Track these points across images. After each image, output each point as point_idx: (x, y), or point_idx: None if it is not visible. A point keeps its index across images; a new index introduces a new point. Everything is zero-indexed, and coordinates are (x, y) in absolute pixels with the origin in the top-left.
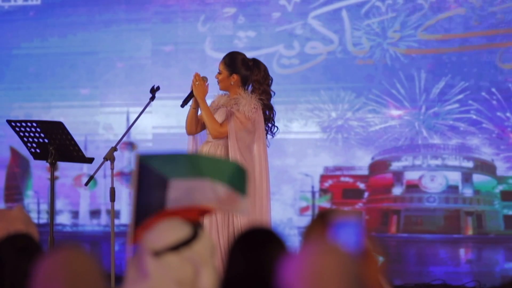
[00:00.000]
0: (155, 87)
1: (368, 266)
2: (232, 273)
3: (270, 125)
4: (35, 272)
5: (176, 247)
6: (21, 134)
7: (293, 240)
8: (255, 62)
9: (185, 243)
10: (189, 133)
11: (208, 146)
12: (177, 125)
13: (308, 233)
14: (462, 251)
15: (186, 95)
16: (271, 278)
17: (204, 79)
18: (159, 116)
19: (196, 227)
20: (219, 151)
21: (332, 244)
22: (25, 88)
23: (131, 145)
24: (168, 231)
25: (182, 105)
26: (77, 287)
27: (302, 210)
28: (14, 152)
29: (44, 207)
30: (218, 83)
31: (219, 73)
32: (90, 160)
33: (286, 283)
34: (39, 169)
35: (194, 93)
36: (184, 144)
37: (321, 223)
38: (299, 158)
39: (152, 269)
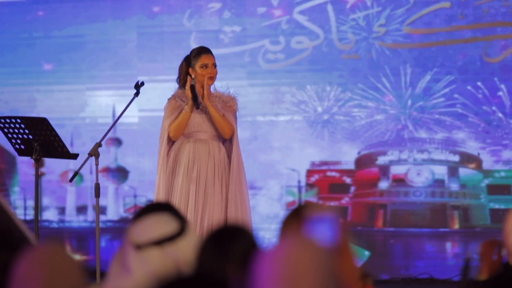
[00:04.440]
0: (139, 83)
1: (344, 261)
2: (202, 269)
3: None
4: (14, 269)
5: (160, 242)
6: (5, 130)
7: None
8: None
9: (170, 239)
10: (177, 138)
11: (206, 146)
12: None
13: (283, 227)
14: (448, 245)
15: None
16: (241, 275)
17: None
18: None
19: (184, 223)
20: (217, 149)
21: (307, 239)
22: (11, 85)
23: (116, 141)
24: (154, 225)
25: (198, 107)
26: (55, 285)
27: (289, 205)
28: (0, 148)
29: (31, 203)
30: (212, 78)
31: (215, 67)
32: (74, 156)
33: (260, 278)
34: (25, 165)
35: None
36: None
37: (296, 218)
38: (285, 153)
39: (133, 264)
